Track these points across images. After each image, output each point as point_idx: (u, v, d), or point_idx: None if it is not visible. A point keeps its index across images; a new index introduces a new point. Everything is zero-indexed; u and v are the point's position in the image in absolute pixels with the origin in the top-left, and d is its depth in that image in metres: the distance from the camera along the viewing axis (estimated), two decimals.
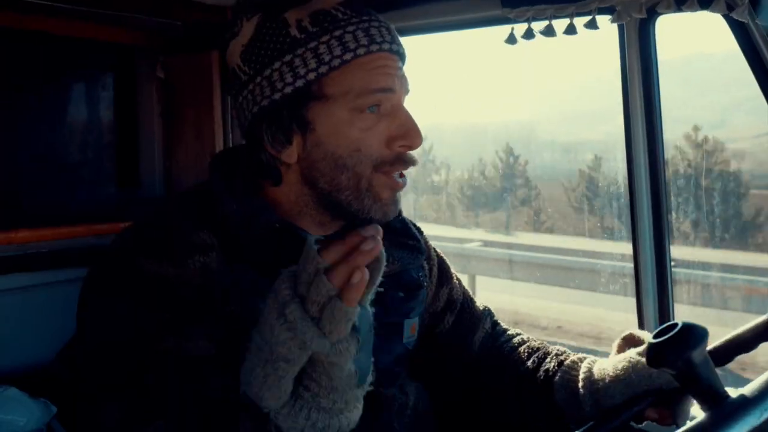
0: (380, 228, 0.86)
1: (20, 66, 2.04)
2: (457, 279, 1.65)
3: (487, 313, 1.66)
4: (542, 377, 1.42)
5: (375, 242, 0.84)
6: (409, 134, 1.21)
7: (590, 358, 1.39)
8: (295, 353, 0.84)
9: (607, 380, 1.25)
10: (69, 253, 1.76)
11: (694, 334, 1.06)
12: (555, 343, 1.53)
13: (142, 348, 1.06)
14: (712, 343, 1.18)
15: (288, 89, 1.18)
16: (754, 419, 0.99)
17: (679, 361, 1.06)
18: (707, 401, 1.06)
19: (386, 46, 1.20)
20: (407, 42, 2.02)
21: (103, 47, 2.16)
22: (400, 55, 1.24)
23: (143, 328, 1.07)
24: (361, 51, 1.17)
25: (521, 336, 1.59)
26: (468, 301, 1.64)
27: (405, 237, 1.48)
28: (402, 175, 1.25)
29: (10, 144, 2.04)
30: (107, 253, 1.19)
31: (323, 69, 1.16)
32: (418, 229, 1.57)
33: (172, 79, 2.23)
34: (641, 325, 1.75)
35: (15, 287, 1.66)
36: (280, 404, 0.88)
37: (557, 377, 1.38)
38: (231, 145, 2.17)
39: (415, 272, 1.45)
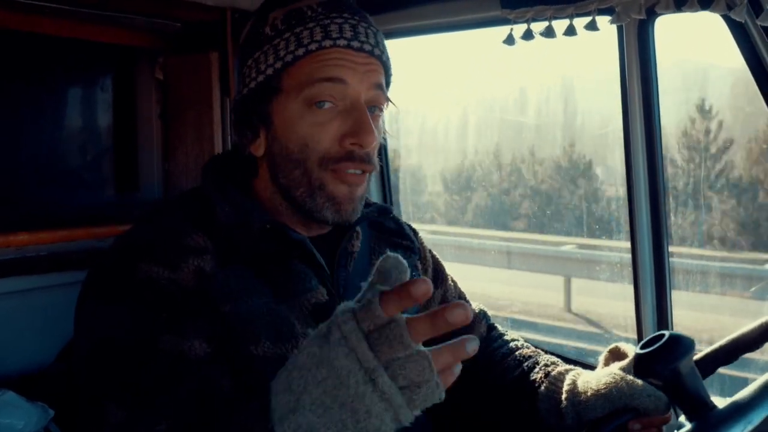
0: (469, 312, 0.79)
1: (18, 68, 2.04)
2: (452, 281, 1.65)
3: (483, 315, 1.66)
4: (528, 386, 1.42)
5: (476, 343, 0.80)
6: (359, 132, 1.19)
7: (577, 370, 1.39)
8: (389, 426, 0.78)
9: (589, 393, 1.25)
10: (68, 256, 1.76)
11: (680, 344, 1.07)
12: None
13: (140, 349, 1.06)
14: (698, 353, 1.18)
15: (252, 84, 1.24)
16: (738, 430, 0.99)
17: (665, 371, 1.07)
18: (693, 411, 1.06)
19: (342, 42, 1.19)
20: (406, 42, 2.02)
21: (102, 48, 2.16)
22: (368, 52, 1.22)
23: (141, 329, 1.07)
24: (312, 46, 1.19)
25: (516, 342, 1.59)
26: None
27: (398, 237, 1.49)
28: (363, 174, 1.23)
29: (8, 146, 2.04)
30: (104, 256, 1.20)
31: (278, 64, 1.20)
32: (413, 230, 1.58)
33: (171, 80, 2.23)
34: (639, 324, 1.75)
35: (13, 290, 1.66)
36: None
37: (542, 388, 1.39)
38: (230, 147, 2.16)
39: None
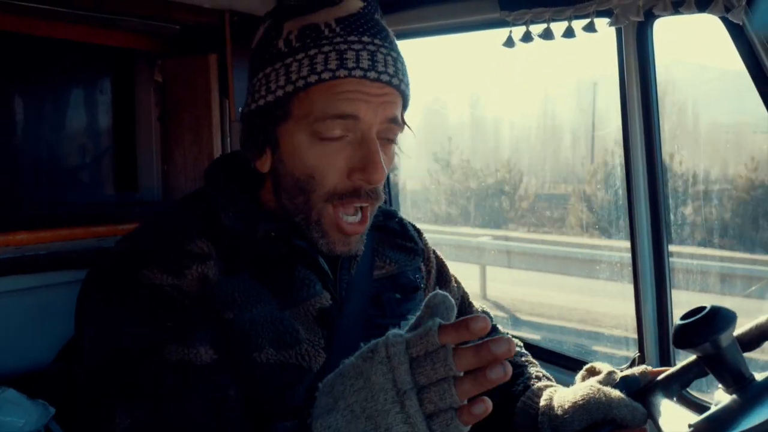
0: (513, 346, 0.83)
1: (18, 70, 2.05)
2: (456, 282, 1.64)
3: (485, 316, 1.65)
4: (506, 399, 1.41)
5: (504, 370, 0.82)
6: (368, 169, 1.15)
7: (555, 387, 1.38)
8: None
9: (566, 406, 1.24)
10: (67, 256, 1.75)
11: (722, 317, 1.06)
12: None
13: (146, 358, 1.06)
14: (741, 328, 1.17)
15: (261, 101, 1.20)
16: None
17: (706, 342, 1.06)
18: (733, 384, 1.06)
19: (358, 72, 1.14)
20: (405, 45, 2.03)
21: (101, 51, 2.17)
22: (385, 83, 1.17)
23: (146, 337, 1.07)
24: (326, 75, 1.13)
25: None
26: (466, 304, 1.64)
27: (402, 239, 1.48)
28: (364, 218, 1.21)
29: (9, 147, 2.05)
30: (107, 260, 1.19)
31: (289, 88, 1.15)
32: (417, 231, 1.57)
33: (170, 82, 2.23)
34: (639, 324, 1.76)
35: (13, 289, 1.65)
36: None
37: (519, 401, 1.37)
38: (229, 148, 2.17)
39: (411, 274, 1.45)
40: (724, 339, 1.05)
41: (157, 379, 1.04)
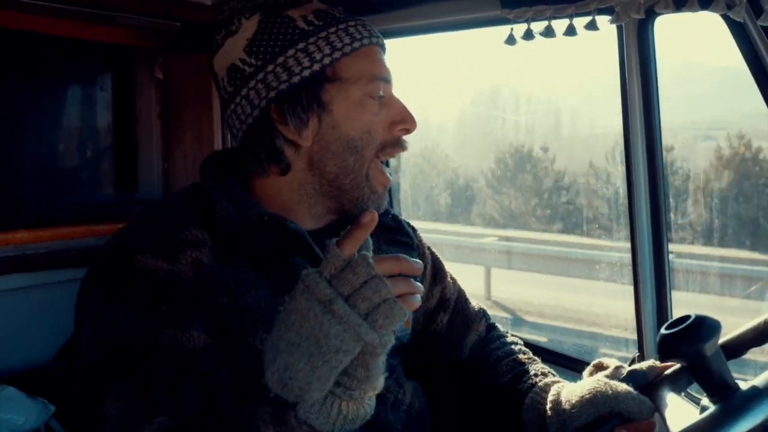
0: (421, 263, 0.98)
1: (17, 67, 2.04)
2: (451, 278, 1.66)
3: (482, 314, 1.66)
4: (515, 395, 1.43)
5: (420, 264, 0.97)
6: (407, 119, 1.31)
7: (563, 382, 1.40)
8: (350, 345, 0.89)
9: (574, 400, 1.26)
10: (67, 254, 1.76)
11: (706, 326, 1.06)
12: None
13: (140, 342, 1.08)
14: (725, 336, 1.17)
15: (306, 72, 1.25)
16: (762, 411, 0.99)
17: (690, 352, 1.06)
18: (717, 393, 1.06)
19: (376, 40, 1.32)
20: (405, 42, 2.03)
21: (102, 48, 2.17)
22: (384, 51, 1.36)
23: (141, 324, 1.09)
24: (365, 41, 1.29)
25: (512, 346, 1.58)
26: (462, 301, 1.65)
27: (398, 234, 1.51)
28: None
29: (8, 145, 2.04)
30: (102, 251, 1.21)
31: (337, 54, 1.26)
32: (412, 227, 1.60)
33: (171, 79, 2.23)
34: (639, 322, 1.75)
35: (13, 288, 1.66)
36: (322, 396, 0.92)
37: (527, 398, 1.39)
38: (230, 146, 2.17)
39: None
40: (709, 348, 1.05)
41: (150, 363, 1.06)
